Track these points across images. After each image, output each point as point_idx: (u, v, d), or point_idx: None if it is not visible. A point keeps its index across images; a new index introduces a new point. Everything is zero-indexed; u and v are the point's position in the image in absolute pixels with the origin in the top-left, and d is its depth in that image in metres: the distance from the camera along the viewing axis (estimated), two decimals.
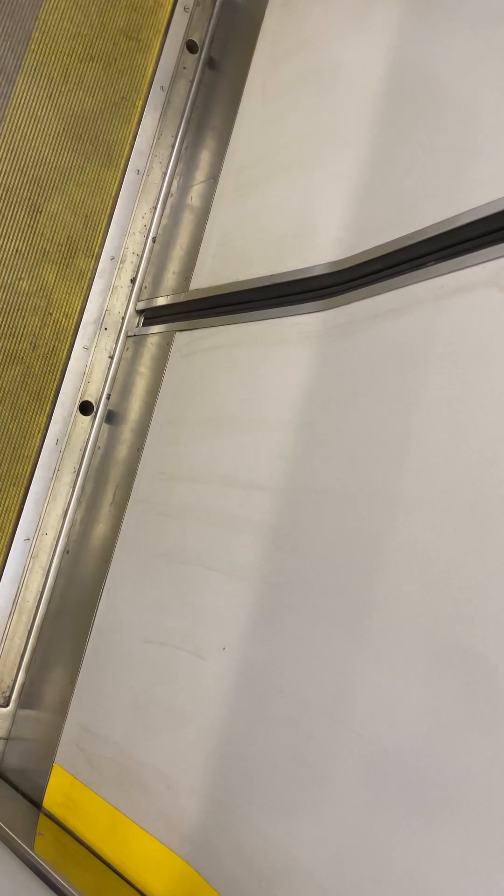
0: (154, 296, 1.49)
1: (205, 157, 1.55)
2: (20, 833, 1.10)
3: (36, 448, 1.42)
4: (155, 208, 1.54)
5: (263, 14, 1.50)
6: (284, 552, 1.00)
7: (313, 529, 0.97)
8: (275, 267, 1.21)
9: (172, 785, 1.02)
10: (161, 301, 1.46)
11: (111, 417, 1.46)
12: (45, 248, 1.44)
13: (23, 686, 1.36)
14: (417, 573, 0.83)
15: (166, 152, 1.57)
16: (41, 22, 1.47)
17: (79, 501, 1.43)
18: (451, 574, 0.80)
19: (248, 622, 1.01)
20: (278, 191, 1.28)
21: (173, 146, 1.57)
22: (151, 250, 1.53)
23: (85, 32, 1.51)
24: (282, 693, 0.92)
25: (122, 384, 1.47)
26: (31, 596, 1.39)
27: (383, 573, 0.86)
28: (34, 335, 1.42)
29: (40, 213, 1.43)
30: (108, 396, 1.47)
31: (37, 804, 1.22)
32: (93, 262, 1.49)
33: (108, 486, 1.38)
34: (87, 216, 1.48)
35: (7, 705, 1.35)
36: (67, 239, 1.46)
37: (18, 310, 1.41)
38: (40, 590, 1.40)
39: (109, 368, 1.48)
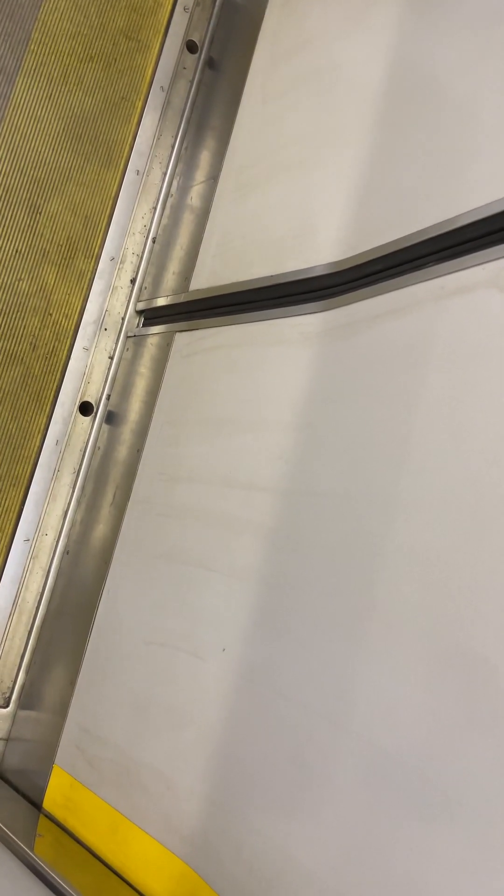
0: (154, 296, 1.49)
1: (205, 158, 1.55)
2: (20, 834, 1.09)
3: (36, 448, 1.42)
4: (155, 209, 1.54)
5: (263, 14, 1.50)
6: (284, 553, 1.00)
7: (313, 530, 0.97)
8: (275, 267, 1.21)
9: (172, 786, 1.02)
10: (161, 301, 1.46)
11: (111, 418, 1.46)
12: (44, 249, 1.44)
13: (23, 687, 1.36)
14: (417, 574, 0.83)
15: (166, 152, 1.57)
16: (41, 22, 1.47)
17: (79, 502, 1.43)
18: (452, 575, 0.79)
19: (248, 623, 1.01)
20: (278, 191, 1.28)
21: (173, 146, 1.57)
22: (151, 251, 1.53)
23: (85, 33, 1.51)
24: (281, 694, 0.92)
25: (122, 385, 1.46)
26: (31, 597, 1.39)
27: (383, 574, 0.86)
28: (34, 336, 1.42)
29: (40, 213, 1.43)
30: (108, 397, 1.47)
31: (37, 805, 1.22)
32: (93, 263, 1.48)
33: (108, 486, 1.38)
34: (86, 216, 1.48)
35: (7, 706, 1.35)
36: (67, 239, 1.46)
37: (18, 310, 1.41)
38: (40, 590, 1.40)
39: (109, 369, 1.48)
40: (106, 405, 1.47)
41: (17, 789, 1.28)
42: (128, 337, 1.49)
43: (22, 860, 1.04)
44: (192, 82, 1.61)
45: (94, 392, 1.47)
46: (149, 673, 1.12)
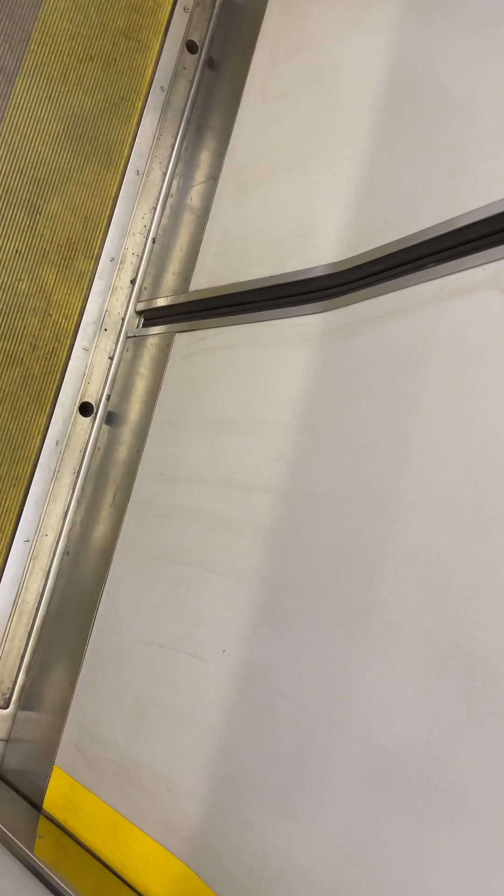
0: (154, 297, 1.49)
1: (205, 158, 1.55)
2: (20, 835, 1.09)
3: (36, 449, 1.42)
4: (155, 209, 1.54)
5: (263, 14, 1.50)
6: (284, 554, 0.99)
7: (313, 531, 0.97)
8: (275, 268, 1.21)
9: (172, 787, 1.02)
10: (161, 302, 1.46)
11: (111, 418, 1.46)
12: (44, 249, 1.44)
13: (23, 688, 1.36)
14: (417, 576, 0.82)
15: (166, 153, 1.57)
16: (41, 22, 1.47)
17: (79, 503, 1.43)
18: (452, 576, 0.79)
19: (248, 624, 1.00)
20: (278, 191, 1.28)
21: (173, 146, 1.57)
22: (151, 251, 1.53)
23: (84, 33, 1.51)
24: (281, 696, 0.92)
25: (121, 385, 1.46)
26: (31, 597, 1.39)
27: (383, 576, 0.86)
28: (34, 336, 1.42)
29: (40, 213, 1.43)
30: (108, 397, 1.47)
31: (37, 806, 1.22)
32: (92, 263, 1.48)
33: (108, 487, 1.38)
34: (86, 217, 1.48)
35: (7, 707, 1.35)
36: (67, 240, 1.46)
37: (18, 311, 1.40)
38: (40, 591, 1.40)
39: (109, 369, 1.48)
40: (106, 406, 1.47)
41: (17, 790, 1.28)
42: (128, 337, 1.49)
43: (22, 861, 1.04)
44: (192, 82, 1.60)
45: (94, 392, 1.47)
46: (149, 674, 1.12)
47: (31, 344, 1.41)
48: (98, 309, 1.48)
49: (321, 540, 0.95)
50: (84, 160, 1.49)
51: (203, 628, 1.07)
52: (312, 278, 1.14)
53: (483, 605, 0.76)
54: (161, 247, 1.53)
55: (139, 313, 1.51)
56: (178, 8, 1.61)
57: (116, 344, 1.49)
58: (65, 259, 1.46)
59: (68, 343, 1.45)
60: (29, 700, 1.35)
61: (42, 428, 1.42)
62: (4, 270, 1.40)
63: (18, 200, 1.42)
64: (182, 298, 1.40)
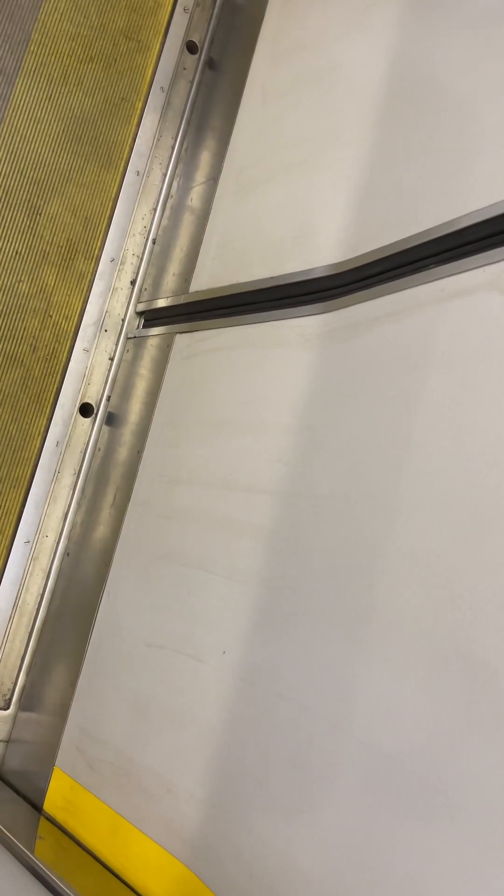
0: (154, 297, 1.49)
1: (205, 158, 1.54)
2: (21, 836, 1.10)
3: (36, 450, 1.42)
4: (155, 210, 1.54)
5: (263, 14, 1.49)
6: (284, 555, 0.99)
7: (313, 533, 0.97)
8: (275, 269, 1.21)
9: (172, 788, 1.02)
10: (161, 303, 1.46)
11: (111, 419, 1.46)
12: (44, 250, 1.44)
13: (23, 689, 1.36)
14: (417, 577, 0.82)
15: (166, 153, 1.57)
16: (40, 23, 1.47)
17: (79, 504, 1.43)
18: (452, 577, 0.79)
19: (248, 626, 1.00)
20: (278, 192, 1.27)
21: (173, 147, 1.57)
22: (151, 252, 1.53)
23: (84, 33, 1.51)
24: (282, 697, 0.92)
25: (122, 386, 1.46)
26: (31, 598, 1.39)
27: (383, 577, 0.86)
28: (34, 337, 1.42)
29: (40, 214, 1.43)
30: (109, 398, 1.47)
31: (37, 807, 1.22)
32: (92, 264, 1.48)
33: (109, 488, 1.38)
34: (86, 218, 1.48)
35: (7, 708, 1.35)
36: (67, 241, 1.46)
37: (18, 312, 1.40)
38: (41, 592, 1.40)
39: (109, 370, 1.48)
40: (106, 407, 1.47)
41: (17, 791, 1.28)
42: (128, 338, 1.49)
43: (22, 862, 1.04)
44: (192, 83, 1.60)
45: (94, 393, 1.47)
46: (149, 675, 1.12)
47: (31, 345, 1.41)
48: (98, 310, 1.48)
49: (321, 541, 0.95)
50: (84, 161, 1.49)
51: (203, 629, 1.07)
52: (312, 279, 1.14)
53: (483, 606, 0.76)
54: (161, 248, 1.53)
55: (139, 314, 1.51)
56: (179, 8, 1.61)
57: (117, 345, 1.49)
58: (65, 260, 1.46)
59: (68, 344, 1.45)
60: (29, 701, 1.35)
61: (42, 429, 1.42)
62: (4, 271, 1.40)
63: (18, 201, 1.42)
64: (182, 299, 1.40)
